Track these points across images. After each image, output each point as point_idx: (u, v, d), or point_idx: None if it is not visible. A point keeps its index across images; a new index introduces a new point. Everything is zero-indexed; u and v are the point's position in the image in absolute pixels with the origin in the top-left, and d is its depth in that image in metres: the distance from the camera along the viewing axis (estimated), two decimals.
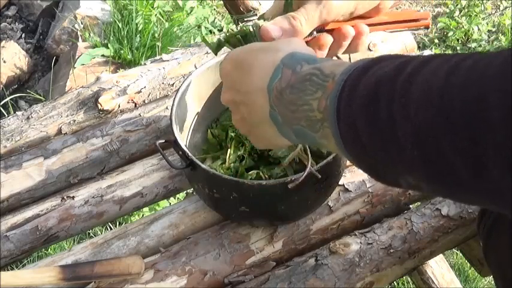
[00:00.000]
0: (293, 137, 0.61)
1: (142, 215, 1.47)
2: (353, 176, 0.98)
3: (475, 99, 0.41)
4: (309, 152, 0.85)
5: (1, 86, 2.06)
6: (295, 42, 0.65)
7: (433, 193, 0.59)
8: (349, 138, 0.51)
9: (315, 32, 0.71)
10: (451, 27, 2.33)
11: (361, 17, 0.74)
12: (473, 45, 2.31)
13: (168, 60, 1.14)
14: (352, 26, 0.73)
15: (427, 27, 0.77)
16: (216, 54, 0.80)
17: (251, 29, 0.71)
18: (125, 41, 2.00)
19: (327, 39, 0.72)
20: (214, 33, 2.18)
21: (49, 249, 1.49)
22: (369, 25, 0.75)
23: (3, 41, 2.13)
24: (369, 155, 0.50)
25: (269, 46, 0.64)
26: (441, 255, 1.13)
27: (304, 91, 0.55)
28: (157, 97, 1.11)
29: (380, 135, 0.48)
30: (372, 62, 0.51)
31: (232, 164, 0.92)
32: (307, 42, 0.70)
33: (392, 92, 0.47)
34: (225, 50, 0.77)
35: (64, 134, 1.06)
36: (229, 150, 0.93)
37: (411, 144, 0.46)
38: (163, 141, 0.88)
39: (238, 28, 0.73)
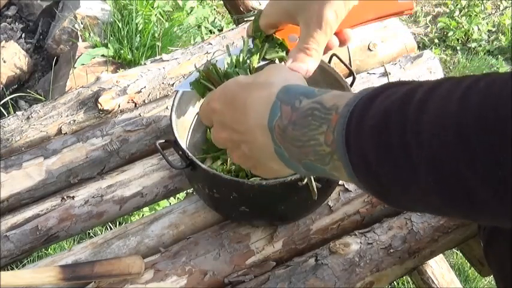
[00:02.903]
0: (302, 170, 0.59)
1: (142, 215, 1.47)
2: None
3: (493, 122, 0.41)
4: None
5: (1, 86, 2.06)
6: (285, 72, 0.65)
7: (447, 216, 0.58)
8: (361, 168, 0.50)
9: None
10: (451, 27, 2.33)
11: None
12: (473, 45, 2.31)
13: (168, 60, 1.14)
14: (337, 34, 0.76)
15: (410, 15, 0.79)
16: (203, 97, 0.80)
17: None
18: (125, 41, 2.00)
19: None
20: (214, 33, 2.18)
21: (49, 249, 1.49)
22: (353, 26, 0.76)
23: (3, 41, 2.13)
24: (382, 183, 0.50)
25: (259, 80, 0.62)
26: (441, 255, 1.13)
27: (307, 126, 0.54)
28: (157, 97, 1.11)
29: (393, 164, 0.47)
30: (377, 91, 0.51)
31: (233, 167, 0.92)
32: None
33: (403, 121, 0.46)
34: None
35: (64, 134, 1.06)
36: None
37: (426, 171, 0.45)
38: (163, 141, 0.88)
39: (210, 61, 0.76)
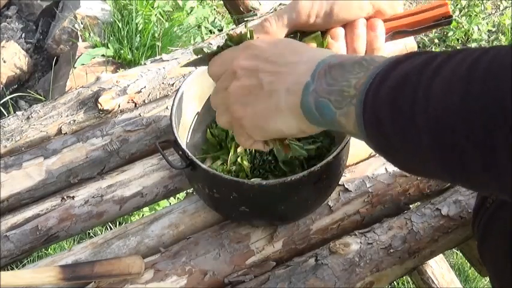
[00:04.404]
0: (312, 109, 0.60)
1: (142, 215, 1.47)
2: (353, 176, 0.98)
3: (493, 90, 0.43)
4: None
5: (1, 85, 2.06)
6: None
7: (444, 180, 0.61)
8: (372, 121, 0.53)
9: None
10: (451, 27, 2.33)
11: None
12: (473, 45, 2.31)
13: (168, 60, 1.14)
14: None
15: (450, 17, 0.74)
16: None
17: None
18: (125, 41, 2.00)
19: (339, 30, 0.75)
20: (214, 33, 2.18)
21: (49, 249, 1.50)
22: (385, 20, 0.75)
23: (3, 41, 2.13)
24: (387, 140, 0.52)
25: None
26: (441, 255, 1.13)
27: (350, 71, 0.57)
28: (157, 97, 1.11)
29: (400, 124, 0.50)
30: (404, 57, 0.54)
31: (233, 167, 0.92)
32: (322, 34, 0.75)
33: (417, 84, 0.49)
34: None
35: (64, 134, 1.06)
36: (230, 153, 0.93)
37: (428, 132, 0.47)
38: (163, 141, 0.88)
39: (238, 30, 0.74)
